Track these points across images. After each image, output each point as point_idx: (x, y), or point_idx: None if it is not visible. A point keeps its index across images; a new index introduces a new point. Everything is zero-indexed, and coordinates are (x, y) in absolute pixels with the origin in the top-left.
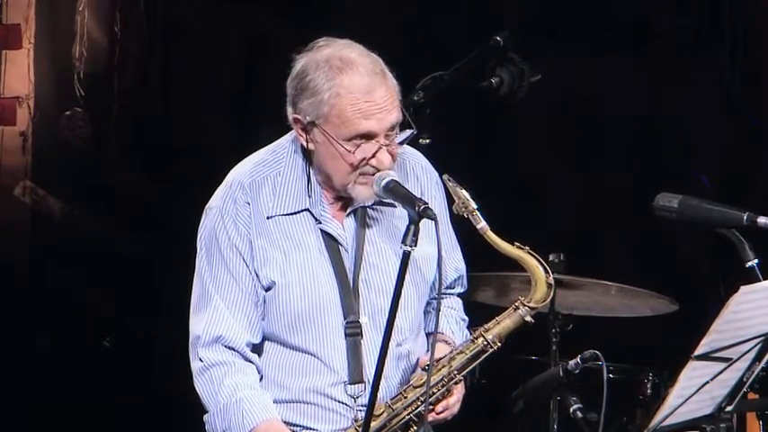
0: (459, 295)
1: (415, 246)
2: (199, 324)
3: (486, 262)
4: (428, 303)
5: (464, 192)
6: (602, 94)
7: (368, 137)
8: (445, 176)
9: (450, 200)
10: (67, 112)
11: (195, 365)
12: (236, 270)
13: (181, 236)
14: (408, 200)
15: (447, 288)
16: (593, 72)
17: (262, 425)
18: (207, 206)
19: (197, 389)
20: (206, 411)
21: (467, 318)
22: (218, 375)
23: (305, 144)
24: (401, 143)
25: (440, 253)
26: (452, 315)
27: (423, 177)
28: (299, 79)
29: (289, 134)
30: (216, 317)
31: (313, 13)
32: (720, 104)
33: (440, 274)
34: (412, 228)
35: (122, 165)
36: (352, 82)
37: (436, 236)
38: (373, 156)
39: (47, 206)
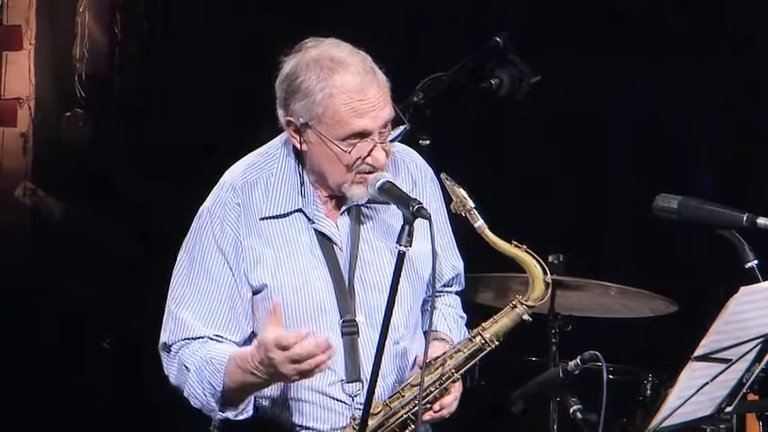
0: (456, 293)
1: (410, 246)
2: (165, 332)
3: (486, 263)
4: (426, 301)
5: (461, 190)
6: (602, 95)
7: (362, 135)
8: (443, 175)
9: (447, 198)
10: (68, 113)
11: (166, 361)
12: (216, 272)
13: (181, 236)
14: (402, 200)
15: (444, 286)
16: (593, 72)
17: (229, 361)
18: (202, 208)
19: (174, 382)
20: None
21: (465, 315)
22: (183, 354)
23: (298, 146)
24: (395, 138)
25: (434, 251)
26: (450, 313)
27: (416, 174)
28: (290, 81)
29: (280, 136)
30: (180, 324)
31: (313, 13)
32: (720, 105)
33: (434, 272)
34: (407, 228)
35: (123, 165)
36: (344, 81)
37: (430, 234)
38: (369, 154)
39: (47, 207)
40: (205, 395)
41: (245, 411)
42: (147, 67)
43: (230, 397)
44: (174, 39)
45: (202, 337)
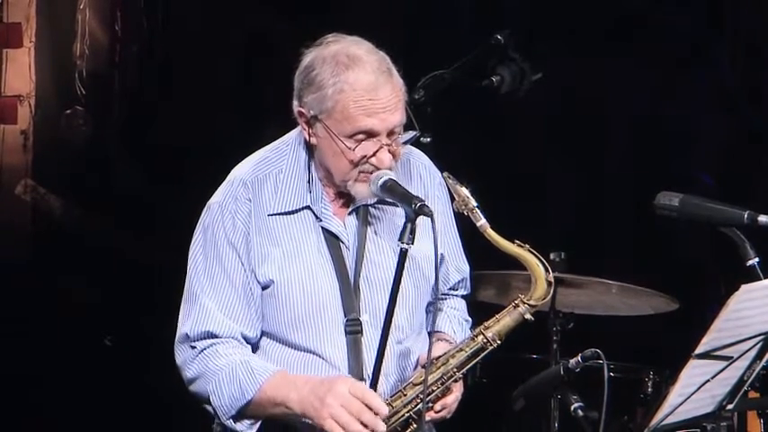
0: (463, 297)
1: (412, 243)
2: (186, 323)
3: (487, 260)
4: (431, 303)
5: (464, 189)
6: (602, 94)
7: (369, 134)
8: (445, 174)
9: (451, 197)
10: (68, 111)
11: (186, 356)
12: (230, 267)
13: (181, 235)
14: (405, 198)
15: (450, 289)
16: (593, 71)
17: (276, 375)
18: (208, 203)
19: (191, 376)
20: (206, 403)
21: (470, 319)
22: (212, 351)
23: (308, 138)
24: (406, 143)
25: (436, 249)
26: (455, 315)
27: (426, 178)
28: (306, 73)
29: (295, 130)
30: (204, 314)
31: (314, 11)
32: (721, 104)
33: (437, 270)
34: (409, 225)
35: (123, 163)
36: (357, 78)
37: (433, 232)
38: (374, 154)
39: (47, 205)
40: (231, 396)
41: (253, 427)
42: (147, 65)
43: (252, 409)
44: (175, 36)
45: (227, 338)
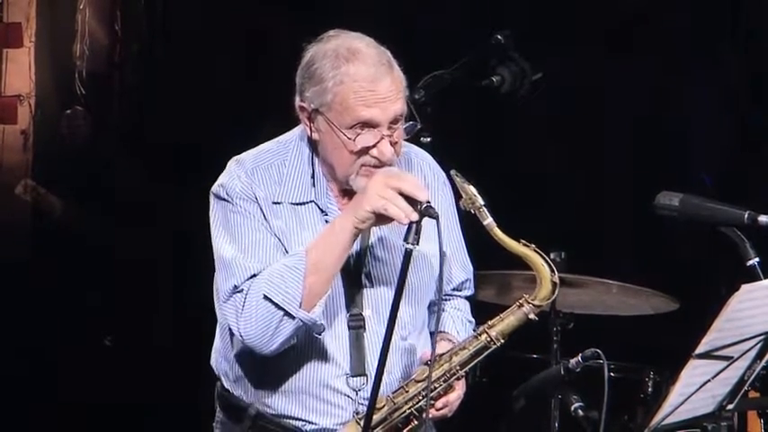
0: (466, 298)
1: (417, 244)
2: (229, 279)
3: (488, 260)
4: (434, 303)
5: (471, 188)
6: (603, 93)
7: (369, 125)
8: (453, 172)
9: (457, 195)
10: (68, 111)
11: (237, 301)
12: (259, 229)
13: (181, 234)
14: (411, 198)
15: (454, 290)
16: (594, 71)
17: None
18: (215, 186)
19: (249, 310)
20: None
21: (473, 320)
22: (257, 278)
23: (309, 132)
24: (405, 136)
25: (441, 250)
26: (459, 316)
27: (430, 177)
28: (307, 68)
29: (297, 128)
30: (244, 266)
31: (313, 10)
32: (722, 103)
33: (441, 271)
34: (414, 226)
35: (123, 163)
36: (357, 70)
37: (438, 233)
38: (374, 145)
39: (47, 204)
40: (284, 280)
41: (320, 310)
42: (147, 65)
43: (313, 278)
44: (175, 36)
45: None
